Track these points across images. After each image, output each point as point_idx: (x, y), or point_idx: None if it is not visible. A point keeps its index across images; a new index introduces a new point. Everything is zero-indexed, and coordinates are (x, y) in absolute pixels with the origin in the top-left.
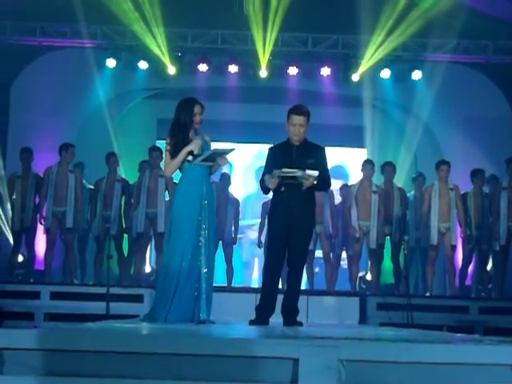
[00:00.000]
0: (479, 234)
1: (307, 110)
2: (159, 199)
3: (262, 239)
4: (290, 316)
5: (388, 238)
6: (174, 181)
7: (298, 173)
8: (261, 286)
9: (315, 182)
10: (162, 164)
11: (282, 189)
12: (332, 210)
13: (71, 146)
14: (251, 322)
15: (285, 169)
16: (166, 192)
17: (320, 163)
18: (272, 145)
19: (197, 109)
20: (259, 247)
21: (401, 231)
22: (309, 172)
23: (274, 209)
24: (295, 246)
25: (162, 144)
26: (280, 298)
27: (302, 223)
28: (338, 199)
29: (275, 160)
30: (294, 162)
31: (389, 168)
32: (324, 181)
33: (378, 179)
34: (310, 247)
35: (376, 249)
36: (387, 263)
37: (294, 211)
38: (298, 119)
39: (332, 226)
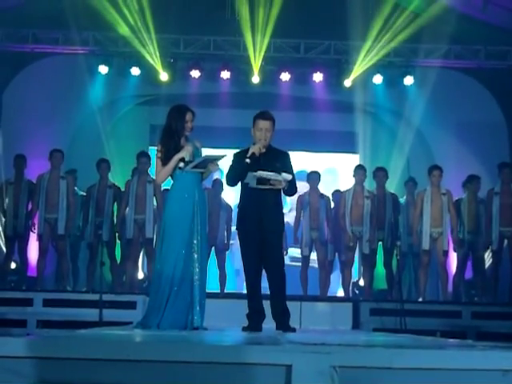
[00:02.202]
0: (473, 239)
1: (272, 116)
2: (147, 205)
3: None
4: (281, 319)
5: (380, 243)
6: (164, 187)
7: (273, 176)
8: (246, 293)
9: (285, 187)
10: (150, 170)
11: (254, 183)
12: (328, 216)
13: (57, 151)
14: (244, 329)
15: (260, 171)
16: (154, 198)
17: (286, 168)
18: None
19: (188, 116)
20: None
21: (393, 236)
22: (284, 175)
23: (245, 214)
24: (270, 250)
25: (153, 150)
26: (266, 303)
27: (273, 226)
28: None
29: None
30: (262, 166)
31: (381, 173)
32: (292, 185)
33: (370, 185)
34: (306, 253)
35: (369, 254)
36: (380, 268)
37: (265, 215)
38: (263, 124)
39: (328, 232)
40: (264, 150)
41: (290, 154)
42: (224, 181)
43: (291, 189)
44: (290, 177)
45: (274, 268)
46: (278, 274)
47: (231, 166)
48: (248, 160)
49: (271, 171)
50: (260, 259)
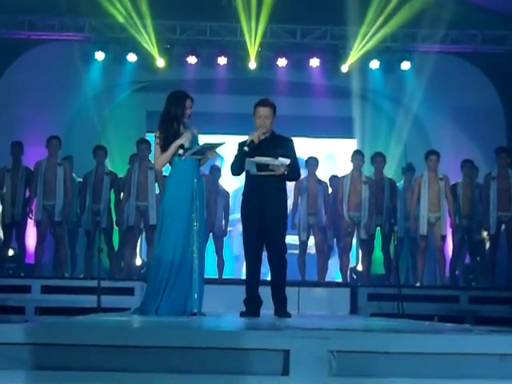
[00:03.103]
0: (469, 223)
1: (272, 102)
2: (149, 192)
3: None
4: (279, 305)
5: (378, 228)
6: (164, 173)
7: (270, 161)
8: (245, 278)
9: (286, 172)
10: (150, 156)
11: (254, 171)
12: (326, 202)
13: (54, 138)
14: (242, 314)
15: (257, 157)
16: (156, 184)
17: (289, 154)
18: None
19: (188, 103)
20: None
21: (391, 222)
22: (281, 159)
23: (248, 200)
24: (272, 236)
25: (150, 137)
26: (267, 288)
27: (275, 213)
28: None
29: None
30: (263, 152)
31: (379, 159)
32: (294, 170)
33: (368, 170)
34: (304, 238)
35: (367, 239)
36: (378, 254)
37: (267, 201)
38: (263, 110)
39: (326, 218)
40: (263, 137)
41: None
42: (222, 167)
43: (293, 174)
44: (287, 161)
45: (275, 254)
46: (279, 261)
47: (236, 154)
48: (246, 148)
49: (273, 156)
50: (261, 245)
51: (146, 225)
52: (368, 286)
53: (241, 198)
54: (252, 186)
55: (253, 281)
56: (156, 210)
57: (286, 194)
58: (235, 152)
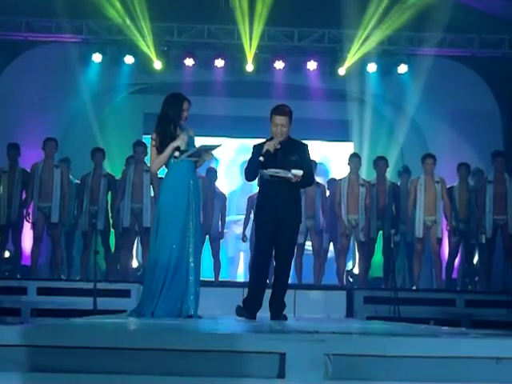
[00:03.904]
0: (466, 227)
1: (289, 109)
2: (144, 194)
3: (247, 233)
4: (277, 310)
5: (381, 232)
6: (159, 176)
7: (282, 173)
8: (248, 280)
9: (299, 179)
10: (147, 159)
11: (268, 176)
12: (323, 205)
13: (51, 140)
14: (238, 311)
15: (270, 169)
16: (151, 187)
17: (304, 160)
18: (257, 142)
19: (185, 105)
20: (243, 241)
21: (394, 225)
22: (293, 171)
23: (262, 204)
24: (283, 242)
25: (147, 139)
26: (267, 292)
27: (289, 218)
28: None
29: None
30: (278, 159)
31: (381, 162)
32: (308, 178)
33: (367, 173)
34: (301, 241)
35: (365, 242)
36: (377, 257)
37: (281, 206)
38: (280, 119)
39: (323, 221)
40: (279, 147)
41: None
42: (218, 169)
43: (307, 181)
44: (300, 172)
45: (283, 260)
46: (286, 267)
47: (250, 158)
48: (262, 158)
49: (287, 164)
50: (271, 249)
51: (140, 227)
52: (364, 289)
53: (255, 202)
54: (266, 191)
55: (258, 284)
56: (150, 213)
57: (301, 199)
58: (250, 156)
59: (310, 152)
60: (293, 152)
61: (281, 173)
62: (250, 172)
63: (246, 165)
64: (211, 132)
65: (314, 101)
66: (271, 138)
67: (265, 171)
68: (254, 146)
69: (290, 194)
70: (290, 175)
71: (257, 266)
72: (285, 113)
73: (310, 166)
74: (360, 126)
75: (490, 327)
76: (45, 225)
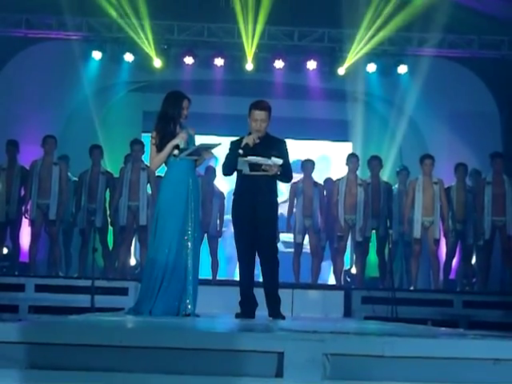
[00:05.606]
0: (463, 228)
1: (268, 105)
2: (141, 192)
3: None
4: (274, 306)
5: (374, 231)
6: (157, 174)
7: (262, 160)
8: (239, 279)
9: (278, 173)
10: (144, 157)
11: (247, 171)
12: (321, 205)
13: (50, 137)
14: (237, 316)
15: (250, 157)
16: (148, 185)
17: (282, 156)
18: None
19: (185, 103)
20: None
21: (387, 225)
22: (274, 159)
23: (238, 201)
24: (264, 238)
25: (146, 137)
26: (261, 290)
27: (267, 214)
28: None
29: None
30: (257, 154)
31: (375, 162)
32: (286, 171)
33: (363, 173)
34: (299, 240)
35: (362, 242)
36: (372, 257)
37: (259, 202)
38: (259, 114)
39: (321, 221)
40: (258, 141)
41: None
42: (217, 168)
43: (286, 175)
44: (280, 161)
45: (266, 255)
46: (271, 261)
47: (228, 153)
48: (241, 151)
49: (267, 157)
50: (253, 246)
51: (137, 225)
52: (362, 289)
53: (232, 198)
54: (244, 186)
55: (246, 281)
56: (147, 211)
57: (277, 195)
58: (227, 151)
59: (287, 149)
60: (271, 147)
61: (261, 160)
62: (229, 165)
63: (224, 160)
64: (211, 131)
65: (314, 100)
66: (249, 134)
67: (245, 159)
68: (232, 143)
69: (267, 189)
70: (270, 162)
71: (243, 265)
72: (264, 108)
73: (288, 162)
74: (359, 126)
75: (488, 328)
76: (43, 222)
